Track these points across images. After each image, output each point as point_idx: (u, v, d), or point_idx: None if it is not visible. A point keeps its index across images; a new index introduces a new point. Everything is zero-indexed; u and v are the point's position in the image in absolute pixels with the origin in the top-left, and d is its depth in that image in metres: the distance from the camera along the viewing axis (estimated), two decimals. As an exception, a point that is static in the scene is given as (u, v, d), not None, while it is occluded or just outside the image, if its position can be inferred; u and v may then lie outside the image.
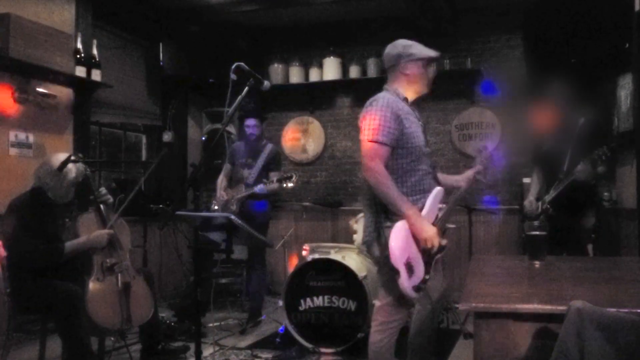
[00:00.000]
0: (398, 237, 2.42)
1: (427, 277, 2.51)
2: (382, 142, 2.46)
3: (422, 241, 2.46)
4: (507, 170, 5.71)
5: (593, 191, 3.80)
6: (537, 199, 3.80)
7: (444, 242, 2.57)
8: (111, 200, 3.38)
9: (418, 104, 2.75)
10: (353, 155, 6.27)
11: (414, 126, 2.57)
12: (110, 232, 3.24)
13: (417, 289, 2.47)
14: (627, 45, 4.40)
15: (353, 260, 3.99)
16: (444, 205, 2.70)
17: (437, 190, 2.60)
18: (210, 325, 4.65)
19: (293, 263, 4.67)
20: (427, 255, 2.51)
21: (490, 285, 2.07)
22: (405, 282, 2.42)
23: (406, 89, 2.66)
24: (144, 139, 6.05)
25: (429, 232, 2.45)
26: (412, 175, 2.56)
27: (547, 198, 3.67)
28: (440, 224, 2.59)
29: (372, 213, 2.57)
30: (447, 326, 4.43)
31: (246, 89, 2.60)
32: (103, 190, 3.37)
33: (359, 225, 4.38)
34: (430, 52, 2.71)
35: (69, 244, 3.13)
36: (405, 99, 2.64)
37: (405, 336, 2.84)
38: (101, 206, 3.30)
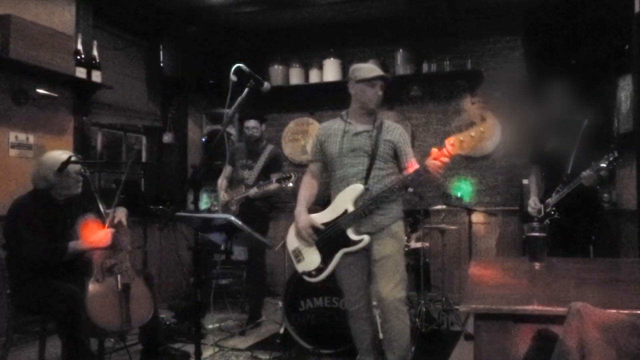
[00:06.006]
0: (290, 230, 3.19)
1: (319, 266, 3.05)
2: (309, 160, 3.31)
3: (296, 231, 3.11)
4: (507, 171, 5.74)
5: (594, 194, 3.80)
6: (540, 200, 3.80)
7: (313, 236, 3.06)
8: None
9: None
10: (353, 156, 6.27)
11: (331, 140, 3.13)
12: (113, 231, 3.24)
13: (306, 274, 3.13)
14: (627, 46, 4.40)
15: (353, 261, 3.98)
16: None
17: (347, 189, 3.01)
18: (210, 326, 4.66)
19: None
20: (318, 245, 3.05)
21: (491, 286, 2.07)
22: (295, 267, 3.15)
23: (352, 107, 3.14)
24: (144, 140, 6.06)
25: (299, 224, 3.07)
26: (331, 180, 3.17)
27: (551, 201, 3.66)
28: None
29: None
30: (447, 328, 4.43)
31: (246, 90, 2.61)
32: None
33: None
34: (372, 73, 3.04)
35: (73, 244, 3.12)
36: (344, 116, 3.17)
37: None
38: (100, 207, 3.30)
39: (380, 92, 3.06)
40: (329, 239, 3.02)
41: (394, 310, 2.91)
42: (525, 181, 5.03)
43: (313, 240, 3.07)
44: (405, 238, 3.14)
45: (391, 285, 2.92)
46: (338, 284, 3.17)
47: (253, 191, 4.52)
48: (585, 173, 3.40)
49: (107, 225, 3.25)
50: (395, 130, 3.10)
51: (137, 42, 5.69)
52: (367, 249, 3.03)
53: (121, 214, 3.37)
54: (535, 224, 2.54)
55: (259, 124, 4.81)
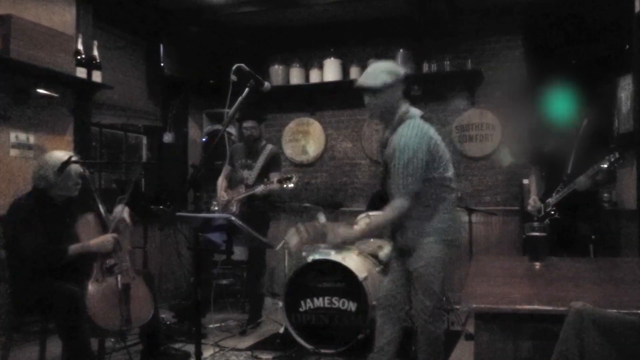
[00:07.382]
0: None
1: None
2: None
3: None
4: (507, 171, 5.74)
5: (594, 194, 3.80)
6: (540, 199, 3.80)
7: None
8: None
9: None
10: (353, 156, 6.27)
11: None
12: (116, 236, 3.23)
13: None
14: (627, 46, 4.41)
15: (353, 261, 3.99)
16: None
17: None
18: (211, 326, 4.65)
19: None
20: None
21: (491, 286, 2.07)
22: None
23: None
24: (144, 140, 6.06)
25: None
26: None
27: (552, 201, 3.66)
28: None
29: None
30: (447, 327, 4.42)
31: (247, 90, 2.61)
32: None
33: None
34: None
35: (73, 247, 3.11)
36: None
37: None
38: (100, 207, 3.30)
39: (366, 101, 2.88)
40: None
41: (418, 317, 2.94)
42: (525, 181, 5.03)
43: None
44: (438, 257, 2.83)
45: (415, 298, 2.93)
46: None
47: (260, 189, 4.52)
48: (579, 179, 3.41)
49: (110, 230, 3.25)
50: (399, 132, 2.81)
51: (137, 42, 5.69)
52: (403, 262, 3.01)
53: (124, 213, 3.37)
54: (535, 224, 2.54)
55: (257, 123, 4.81)
